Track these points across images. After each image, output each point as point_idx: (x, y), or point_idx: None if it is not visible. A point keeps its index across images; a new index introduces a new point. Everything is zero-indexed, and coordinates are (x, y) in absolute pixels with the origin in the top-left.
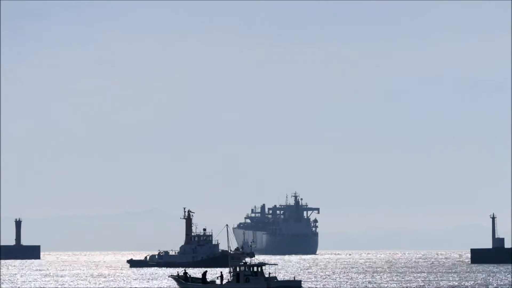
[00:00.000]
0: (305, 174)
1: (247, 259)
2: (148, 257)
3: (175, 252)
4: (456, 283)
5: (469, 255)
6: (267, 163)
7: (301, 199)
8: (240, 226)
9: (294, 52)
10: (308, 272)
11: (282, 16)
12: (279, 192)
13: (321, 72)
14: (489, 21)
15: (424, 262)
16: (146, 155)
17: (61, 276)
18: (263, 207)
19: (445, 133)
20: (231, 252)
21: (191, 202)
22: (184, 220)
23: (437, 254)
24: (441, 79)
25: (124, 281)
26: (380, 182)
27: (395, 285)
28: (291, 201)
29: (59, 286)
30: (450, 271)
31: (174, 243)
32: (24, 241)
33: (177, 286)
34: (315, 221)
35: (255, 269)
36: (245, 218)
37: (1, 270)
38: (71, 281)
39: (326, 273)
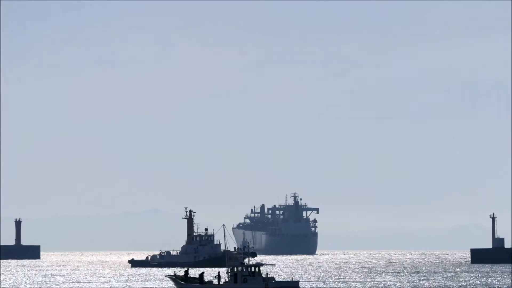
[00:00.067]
0: (305, 174)
1: (250, 260)
2: (149, 257)
3: (177, 252)
4: (456, 283)
5: (469, 255)
6: (266, 163)
7: (301, 199)
8: (240, 226)
9: (294, 52)
10: (307, 272)
11: (282, 16)
12: (279, 192)
13: (321, 72)
14: (489, 21)
15: (424, 262)
16: (146, 155)
17: (62, 276)
18: (262, 207)
19: (445, 133)
20: (234, 251)
21: (191, 202)
22: (185, 220)
23: (437, 254)
24: (441, 79)
25: (124, 281)
26: (380, 182)
27: (395, 285)
28: (291, 201)
29: (60, 286)
30: (450, 271)
31: (175, 243)
32: (24, 241)
33: (174, 286)
34: (315, 221)
35: (253, 269)
36: (245, 218)
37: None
38: (72, 281)
39: (324, 274)
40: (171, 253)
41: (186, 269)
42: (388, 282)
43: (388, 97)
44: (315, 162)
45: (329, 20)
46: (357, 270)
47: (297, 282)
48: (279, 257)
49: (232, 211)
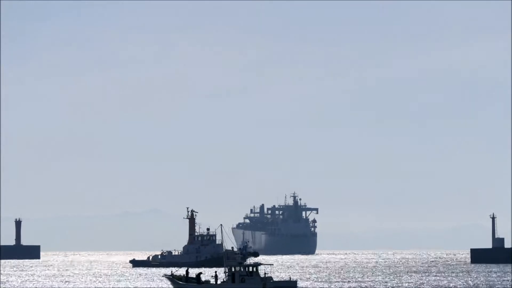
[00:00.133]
0: (304, 174)
1: (251, 259)
2: (151, 257)
3: (178, 252)
4: (456, 283)
5: (469, 255)
6: (266, 163)
7: (300, 199)
8: (239, 226)
9: (294, 52)
10: (305, 272)
11: (282, 16)
12: (278, 192)
13: (321, 72)
14: (489, 21)
15: (424, 262)
16: (146, 155)
17: (63, 276)
18: (262, 207)
19: (445, 133)
20: (236, 251)
21: (191, 202)
22: (186, 220)
23: (437, 254)
24: (441, 79)
25: (125, 281)
26: (380, 182)
27: (394, 285)
28: (290, 202)
29: (61, 286)
30: (450, 271)
31: (175, 243)
32: (24, 241)
33: (171, 286)
34: (314, 221)
35: (251, 269)
36: (244, 218)
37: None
38: (73, 281)
39: (323, 274)
40: (173, 253)
41: (186, 269)
42: (388, 282)
43: (388, 97)
44: (315, 162)
45: (329, 20)
46: (356, 270)
47: (295, 281)
48: (279, 257)
49: (232, 211)
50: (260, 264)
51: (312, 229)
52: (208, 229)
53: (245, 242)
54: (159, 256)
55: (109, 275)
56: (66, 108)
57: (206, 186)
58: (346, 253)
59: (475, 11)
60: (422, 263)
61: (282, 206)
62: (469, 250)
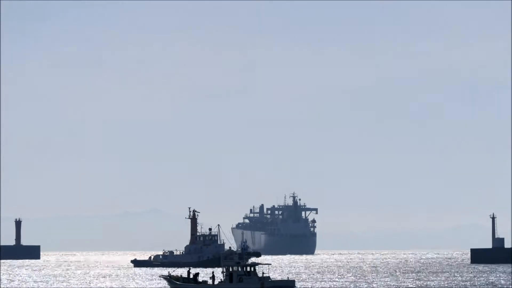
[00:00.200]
0: (304, 175)
1: (253, 259)
2: (152, 257)
3: (180, 252)
4: (456, 283)
5: (469, 255)
6: (266, 163)
7: (299, 199)
8: (239, 226)
9: (294, 52)
10: (304, 272)
11: (282, 16)
12: (278, 192)
13: (321, 72)
14: (489, 21)
15: (424, 262)
16: (146, 155)
17: (65, 276)
18: (261, 207)
19: (445, 133)
20: (236, 251)
21: (191, 202)
22: (187, 220)
23: (437, 254)
24: (441, 79)
25: (126, 281)
26: (379, 182)
27: (394, 285)
28: (290, 202)
29: (62, 286)
30: (450, 271)
31: (175, 243)
32: (24, 241)
33: (168, 286)
34: (313, 221)
35: (248, 269)
36: (244, 218)
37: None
38: (73, 282)
39: (323, 274)
40: (174, 253)
41: (188, 269)
42: (388, 282)
43: (388, 97)
44: (315, 162)
45: (329, 20)
46: (355, 270)
47: (293, 281)
48: (278, 257)
49: (232, 211)
50: (258, 264)
51: (312, 229)
52: (210, 229)
53: (243, 242)
54: (161, 256)
55: (111, 275)
56: (66, 108)
57: (206, 186)
58: (340, 253)
59: (475, 11)
60: (422, 263)
61: (282, 206)
62: (469, 250)
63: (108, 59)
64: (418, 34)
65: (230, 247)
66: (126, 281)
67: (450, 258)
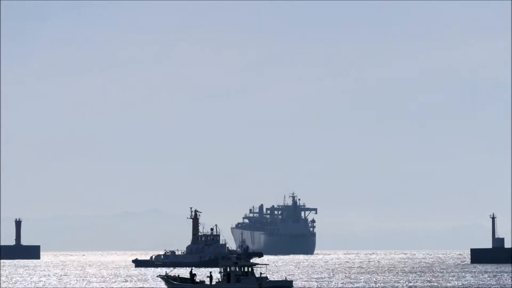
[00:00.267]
0: (304, 175)
1: (256, 259)
2: (153, 257)
3: (182, 252)
4: (456, 283)
5: (469, 255)
6: (266, 163)
7: (299, 199)
8: (238, 226)
9: (294, 52)
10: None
11: (282, 16)
12: (277, 192)
13: (321, 72)
14: (489, 21)
15: (424, 262)
16: (146, 155)
17: (66, 276)
18: (261, 207)
19: (445, 133)
20: (238, 251)
21: (191, 202)
22: (187, 220)
23: (437, 254)
24: (441, 79)
25: (128, 281)
26: (380, 182)
27: (394, 285)
28: (289, 202)
29: (63, 287)
30: (450, 271)
31: (176, 243)
32: (24, 241)
33: (165, 286)
34: (313, 221)
35: (246, 269)
36: (243, 218)
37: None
38: (74, 282)
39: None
40: (176, 253)
41: (191, 269)
42: (388, 282)
43: (388, 97)
44: (315, 162)
45: (329, 20)
46: (354, 270)
47: (291, 281)
48: (278, 257)
49: (231, 211)
50: (256, 264)
51: (311, 229)
52: (212, 229)
53: (241, 242)
54: (162, 256)
55: (112, 275)
56: (66, 108)
57: (206, 186)
58: (335, 253)
59: (475, 11)
60: (422, 263)
61: (281, 206)
62: (469, 250)
63: (108, 59)
64: (418, 34)
65: (228, 247)
66: (126, 281)
67: (450, 258)
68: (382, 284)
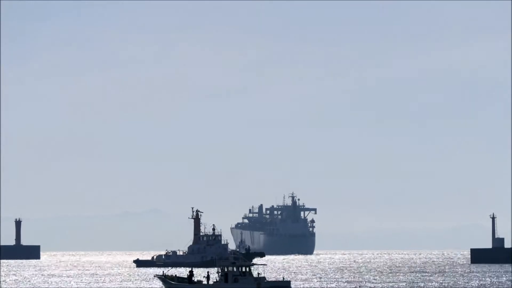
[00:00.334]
0: (304, 175)
1: (257, 259)
2: (155, 257)
3: (183, 252)
4: (456, 283)
5: (469, 255)
6: (265, 163)
7: (299, 199)
8: (238, 226)
9: (294, 52)
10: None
11: (282, 16)
12: (277, 192)
13: (321, 72)
14: (489, 21)
15: (424, 262)
16: (146, 155)
17: (67, 276)
18: (260, 207)
19: (445, 133)
20: (237, 251)
21: (191, 202)
22: (189, 220)
23: (437, 254)
24: (441, 79)
25: (129, 281)
26: (380, 182)
27: (394, 285)
28: (289, 202)
29: (63, 287)
30: (450, 271)
31: (176, 243)
32: (24, 241)
33: (163, 286)
34: (312, 221)
35: (244, 269)
36: (243, 218)
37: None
38: (75, 282)
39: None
40: (177, 253)
41: (191, 269)
42: (388, 282)
43: (388, 97)
44: (314, 162)
45: (329, 20)
46: (353, 269)
47: (289, 281)
48: (277, 257)
49: (231, 211)
50: (253, 264)
51: (311, 229)
52: (213, 229)
53: (240, 242)
54: (163, 256)
55: (114, 275)
56: (66, 108)
57: (206, 186)
58: (335, 254)
59: (475, 11)
60: (422, 263)
61: (281, 206)
62: (469, 250)
63: (108, 59)
64: (418, 34)
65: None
66: (127, 282)
67: (449, 258)
68: (382, 284)
